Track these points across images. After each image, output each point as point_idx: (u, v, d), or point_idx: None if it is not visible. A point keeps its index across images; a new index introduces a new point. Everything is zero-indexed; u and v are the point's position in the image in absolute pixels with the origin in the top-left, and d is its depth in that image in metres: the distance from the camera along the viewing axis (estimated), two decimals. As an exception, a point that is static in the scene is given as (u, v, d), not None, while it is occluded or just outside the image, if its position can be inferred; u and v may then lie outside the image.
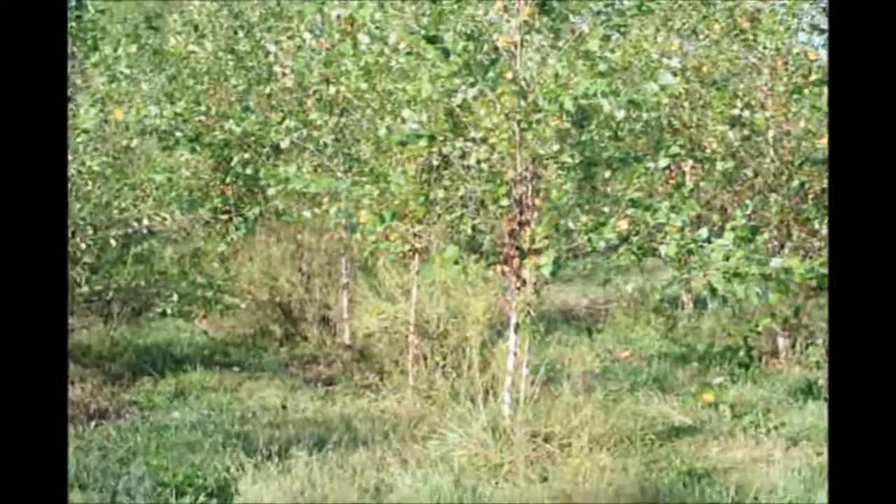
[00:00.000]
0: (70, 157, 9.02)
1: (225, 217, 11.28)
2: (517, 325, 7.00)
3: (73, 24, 9.55)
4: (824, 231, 9.08)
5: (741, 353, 8.67)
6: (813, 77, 9.16)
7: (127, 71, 9.58)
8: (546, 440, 6.76)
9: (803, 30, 9.67)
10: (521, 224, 7.02)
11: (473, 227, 7.80)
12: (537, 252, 6.87)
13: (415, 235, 8.32)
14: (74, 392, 8.05)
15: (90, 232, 9.23)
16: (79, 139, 9.01)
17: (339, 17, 8.96)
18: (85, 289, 8.96)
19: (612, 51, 7.01)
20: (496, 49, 7.16)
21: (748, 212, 6.77)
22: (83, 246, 9.12)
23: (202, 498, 6.01)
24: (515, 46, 6.97)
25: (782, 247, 9.37)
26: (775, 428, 7.40)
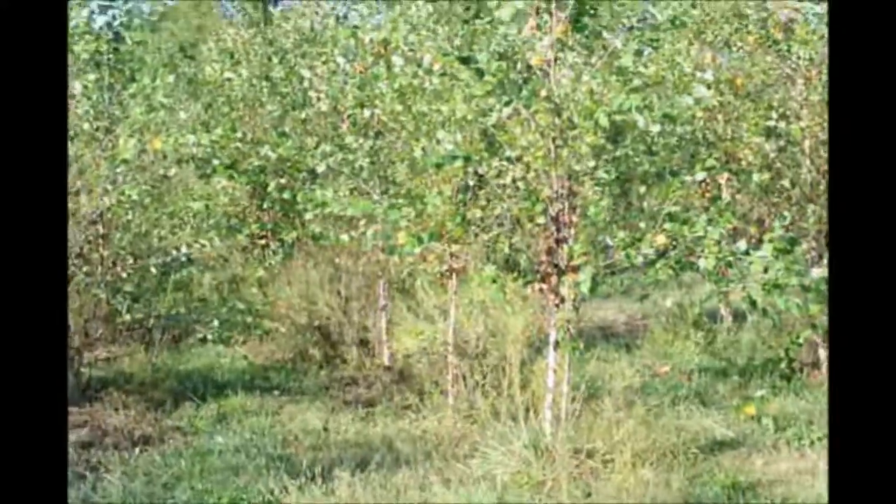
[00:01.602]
0: (109, 188, 9.13)
1: (262, 242, 11.35)
2: (556, 343, 7.00)
3: (111, 55, 9.66)
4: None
5: (782, 366, 8.64)
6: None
7: (164, 100, 9.67)
8: (588, 456, 6.75)
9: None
10: (558, 241, 7.03)
11: (511, 246, 7.82)
12: (575, 269, 6.86)
13: (452, 256, 8.34)
14: (118, 419, 8.11)
15: (130, 261, 9.32)
16: (118, 169, 9.10)
17: (372, 40, 9.04)
18: (126, 317, 9.04)
19: (646, 66, 7.01)
20: (529, 68, 7.19)
21: (786, 223, 6.76)
22: (124, 275, 9.21)
23: (247, 520, 6.05)
24: (549, 64, 6.99)
25: (821, 257, 9.31)
26: (819, 440, 7.34)
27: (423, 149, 8.17)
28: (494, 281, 6.95)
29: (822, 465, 6.86)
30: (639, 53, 6.94)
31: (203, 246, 9.35)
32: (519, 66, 7.32)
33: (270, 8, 16.67)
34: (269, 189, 10.42)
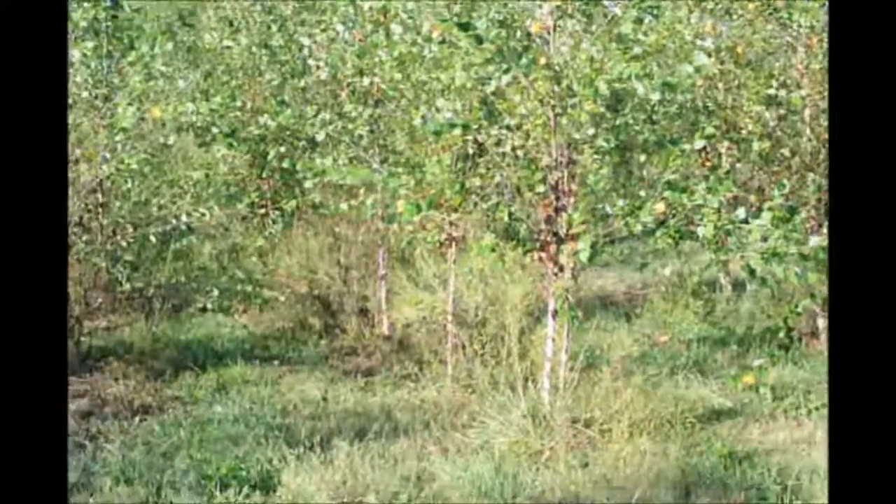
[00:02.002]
0: (108, 156, 9.12)
1: (262, 211, 11.35)
2: (555, 312, 7.00)
3: (110, 23, 9.62)
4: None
5: (781, 335, 8.60)
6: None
7: (163, 69, 9.64)
8: (586, 426, 6.77)
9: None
10: (557, 210, 7.02)
11: (510, 215, 7.80)
12: (574, 238, 6.86)
13: (451, 224, 8.33)
14: (118, 388, 8.12)
15: (130, 230, 9.32)
16: (117, 138, 9.07)
17: (371, 8, 8.99)
18: (126, 286, 9.05)
19: (646, 34, 6.97)
20: (529, 35, 7.14)
21: (785, 191, 6.74)
22: (123, 244, 9.22)
23: (246, 490, 6.06)
24: (548, 32, 6.95)
25: (820, 226, 9.30)
26: (816, 409, 7.36)
27: (422, 117, 8.12)
28: (493, 250, 6.94)
29: (820, 434, 6.89)
30: (639, 21, 6.89)
31: (203, 215, 9.33)
32: (518, 33, 7.26)
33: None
34: (269, 158, 10.46)
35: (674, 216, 6.94)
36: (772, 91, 9.67)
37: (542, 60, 6.76)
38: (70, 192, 8.98)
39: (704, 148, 8.80)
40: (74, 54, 9.51)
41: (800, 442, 6.86)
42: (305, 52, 10.46)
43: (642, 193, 7.12)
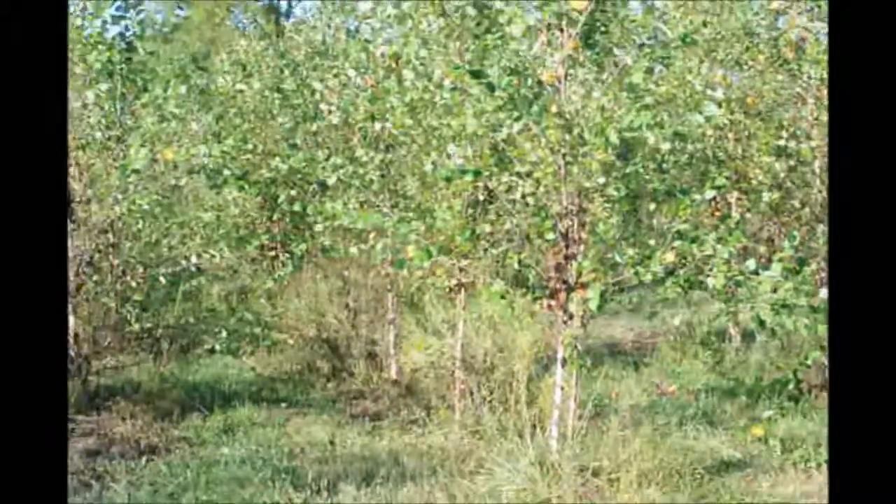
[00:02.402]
0: (120, 197, 9.17)
1: (272, 254, 11.36)
2: (564, 360, 6.99)
3: (124, 65, 9.70)
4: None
5: (790, 387, 8.57)
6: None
7: (176, 111, 9.70)
8: (594, 475, 6.73)
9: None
10: (567, 258, 7.03)
11: (520, 262, 7.80)
12: (584, 286, 6.86)
13: (461, 270, 8.34)
14: (125, 428, 8.13)
15: (140, 270, 9.34)
16: (129, 179, 9.12)
17: (383, 54, 9.05)
18: (135, 326, 9.07)
19: (657, 83, 7.02)
20: (540, 83, 7.18)
21: (795, 243, 6.73)
22: (133, 284, 9.24)
23: (252, 533, 6.05)
24: (560, 80, 6.99)
25: (830, 278, 9.28)
26: (826, 462, 7.31)
27: (433, 163, 8.17)
28: (503, 296, 6.94)
29: (829, 488, 6.83)
30: (649, 71, 6.94)
31: (213, 256, 9.38)
32: (530, 81, 7.30)
33: (282, 21, 16.70)
34: (280, 201, 10.47)
35: (683, 266, 6.95)
36: (782, 142, 9.71)
37: (554, 109, 6.80)
38: (81, 231, 9.03)
39: (714, 198, 8.81)
40: (88, 96, 9.60)
41: (810, 495, 6.82)
42: (317, 96, 10.50)
43: (652, 242, 7.11)
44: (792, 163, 9.73)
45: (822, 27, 9.65)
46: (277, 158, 9.49)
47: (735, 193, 10.09)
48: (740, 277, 6.65)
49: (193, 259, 9.36)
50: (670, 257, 6.76)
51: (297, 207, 9.83)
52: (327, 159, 8.79)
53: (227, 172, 9.86)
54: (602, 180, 7.10)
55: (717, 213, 9.93)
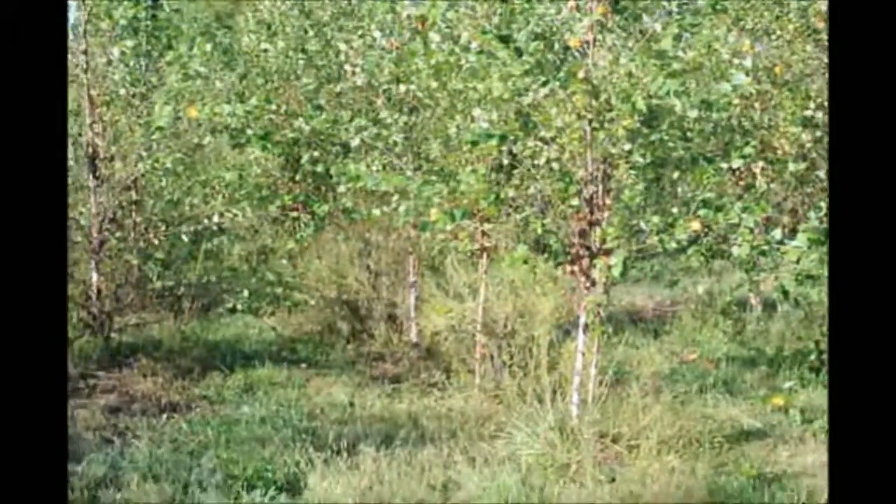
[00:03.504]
0: (144, 154, 9.18)
1: (294, 215, 11.35)
2: (586, 326, 6.98)
3: (149, 22, 9.68)
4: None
5: (811, 357, 8.57)
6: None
7: (201, 69, 9.69)
8: (614, 441, 6.75)
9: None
10: (590, 224, 7.00)
11: (543, 227, 7.78)
12: (607, 252, 6.84)
13: (483, 234, 8.32)
14: (146, 385, 8.18)
15: (162, 228, 9.37)
16: (153, 136, 9.14)
17: (409, 15, 8.99)
18: (157, 284, 9.12)
19: (684, 50, 6.95)
20: (567, 48, 7.13)
21: (821, 214, 6.69)
22: (155, 242, 9.28)
23: (272, 492, 6.07)
24: (587, 46, 6.94)
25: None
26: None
27: (457, 126, 8.15)
28: (526, 261, 6.91)
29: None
30: (678, 38, 6.87)
31: (235, 216, 9.39)
32: (556, 46, 7.25)
33: (308, -20, 16.59)
34: (302, 161, 10.42)
35: (707, 234, 6.92)
36: (808, 112, 9.63)
37: (581, 74, 6.74)
38: (104, 188, 9.05)
39: (739, 167, 8.75)
40: (114, 52, 9.59)
41: (829, 466, 6.80)
42: (342, 57, 10.44)
43: (675, 211, 7.07)
44: (818, 133, 9.65)
45: (853, -3, 9.55)
46: (301, 119, 9.45)
47: (760, 163, 10.00)
48: (766, 247, 6.61)
49: (215, 218, 9.38)
50: (695, 225, 6.73)
51: (319, 168, 9.82)
52: (351, 121, 8.74)
53: (249, 132, 9.83)
54: (627, 147, 7.04)
55: (742, 183, 9.88)
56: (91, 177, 9.10)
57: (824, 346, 8.22)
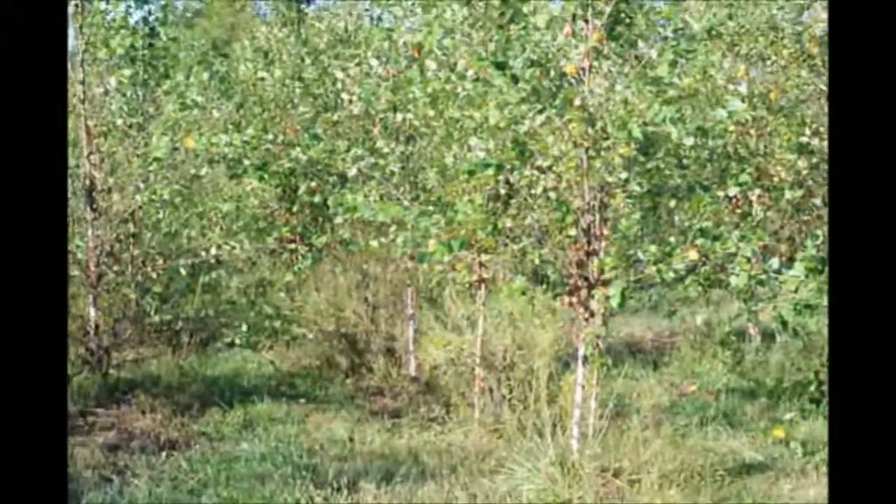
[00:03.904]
0: (141, 185, 9.15)
1: (291, 246, 11.32)
2: (585, 358, 6.94)
3: (146, 51, 9.67)
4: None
5: (812, 388, 8.52)
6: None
7: (198, 98, 9.68)
8: (615, 475, 6.70)
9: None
10: (588, 254, 6.97)
11: (540, 258, 7.74)
12: (605, 283, 6.81)
13: (481, 265, 8.29)
14: (145, 422, 8.14)
15: (160, 261, 9.33)
16: (151, 167, 9.12)
17: (406, 43, 8.98)
18: (155, 318, 9.08)
19: (680, 77, 6.93)
20: (563, 75, 7.11)
21: (818, 242, 6.66)
22: (153, 275, 9.23)
23: (273, 531, 6.04)
24: (583, 73, 6.93)
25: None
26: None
27: (454, 156, 8.13)
28: (524, 293, 6.89)
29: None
30: (674, 64, 6.85)
31: (232, 248, 9.35)
32: (553, 73, 7.24)
33: (304, 7, 16.64)
34: (300, 192, 10.41)
35: (704, 264, 6.89)
36: (804, 139, 9.62)
37: (577, 101, 6.73)
38: (102, 220, 9.02)
39: (735, 195, 8.73)
40: (111, 82, 9.57)
41: (831, 499, 6.75)
42: (339, 85, 10.43)
43: (672, 240, 7.05)
44: (814, 160, 9.63)
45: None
46: (298, 148, 9.43)
47: (756, 191, 9.97)
48: (763, 276, 6.58)
49: (213, 251, 9.34)
50: (693, 254, 6.70)
51: (316, 199, 9.79)
52: (348, 150, 8.70)
53: (246, 162, 9.79)
54: (624, 175, 7.03)
55: (738, 211, 9.84)
56: (88, 209, 9.08)
57: (824, 376, 8.18)
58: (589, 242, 7.00)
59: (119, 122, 9.50)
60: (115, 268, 9.14)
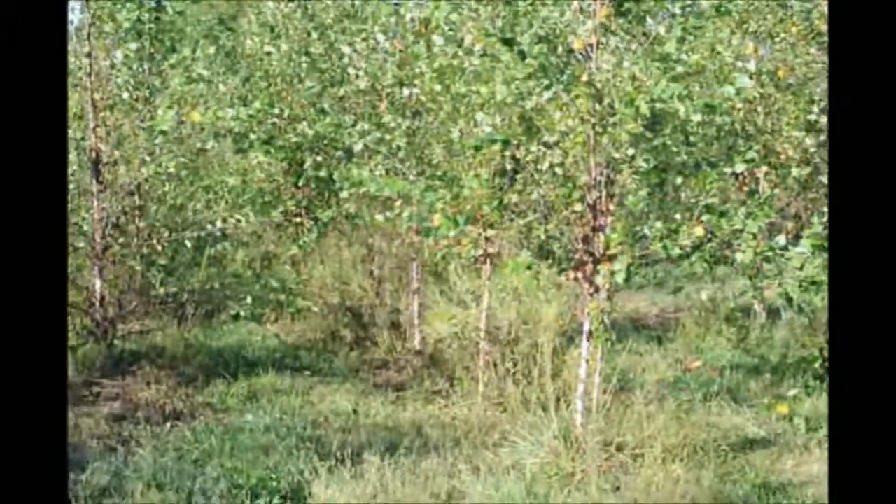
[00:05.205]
0: (147, 159, 9.16)
1: (297, 220, 11.33)
2: (590, 333, 6.94)
3: (152, 25, 9.66)
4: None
5: (816, 365, 8.53)
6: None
7: (204, 72, 9.68)
8: (618, 449, 6.71)
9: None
10: (594, 229, 6.96)
11: (545, 233, 7.74)
12: (611, 258, 6.80)
13: (487, 240, 8.28)
14: (150, 393, 8.16)
15: (165, 234, 9.35)
16: (156, 141, 9.13)
17: (413, 18, 8.96)
18: (160, 290, 9.09)
19: (688, 53, 6.91)
20: (571, 51, 7.09)
21: (824, 219, 6.65)
22: (159, 248, 9.25)
23: (276, 500, 6.07)
24: (591, 49, 6.91)
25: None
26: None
27: (460, 131, 8.12)
28: (529, 267, 6.87)
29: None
30: (682, 41, 6.83)
31: (238, 221, 9.35)
32: (560, 49, 7.21)
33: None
34: (306, 166, 10.40)
35: (710, 240, 6.88)
36: (812, 116, 9.60)
37: (584, 77, 6.72)
38: (108, 193, 9.03)
39: (742, 172, 8.72)
40: (117, 55, 9.58)
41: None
42: (345, 60, 10.40)
43: (678, 216, 7.04)
44: (822, 138, 9.60)
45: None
46: (304, 123, 9.43)
47: (763, 168, 9.96)
48: (769, 253, 6.58)
49: (218, 223, 9.34)
50: (699, 231, 6.70)
51: (322, 173, 9.79)
52: (354, 125, 8.71)
53: (253, 136, 9.81)
54: (631, 151, 7.02)
55: (745, 188, 9.84)
56: (94, 181, 9.08)
57: (828, 353, 8.18)
58: (595, 218, 6.99)
59: (125, 95, 9.51)
60: (121, 240, 9.16)
